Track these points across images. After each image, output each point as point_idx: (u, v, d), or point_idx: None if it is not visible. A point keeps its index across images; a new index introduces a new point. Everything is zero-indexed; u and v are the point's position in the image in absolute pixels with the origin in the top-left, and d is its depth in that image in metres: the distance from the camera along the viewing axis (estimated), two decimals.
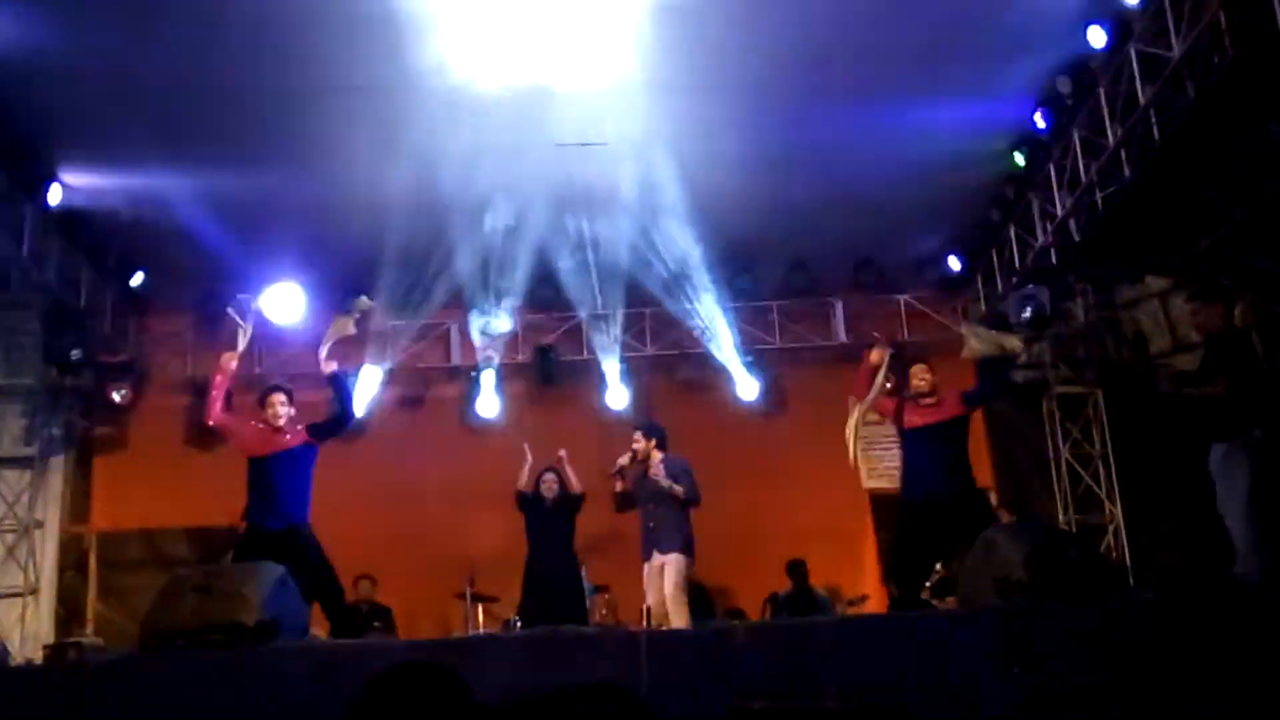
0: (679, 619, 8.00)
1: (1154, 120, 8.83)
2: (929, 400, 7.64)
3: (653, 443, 8.55)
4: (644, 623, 7.64)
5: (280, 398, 7.34)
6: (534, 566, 9.47)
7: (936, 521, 7.19)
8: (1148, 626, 5.11)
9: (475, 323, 12.49)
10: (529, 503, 9.65)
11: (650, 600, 8.27)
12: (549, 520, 9.54)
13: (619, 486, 8.63)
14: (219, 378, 7.37)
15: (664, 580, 8.20)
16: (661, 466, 8.42)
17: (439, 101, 9.05)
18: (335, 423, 7.48)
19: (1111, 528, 12.42)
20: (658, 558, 8.29)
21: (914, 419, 7.63)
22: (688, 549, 8.30)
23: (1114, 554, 12.22)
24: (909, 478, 7.60)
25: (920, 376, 7.72)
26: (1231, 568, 6.34)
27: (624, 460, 8.57)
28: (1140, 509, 12.17)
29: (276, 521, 6.98)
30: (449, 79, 8.91)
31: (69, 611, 11.88)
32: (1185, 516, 8.52)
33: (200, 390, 12.44)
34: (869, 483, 13.02)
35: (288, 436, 7.25)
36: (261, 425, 7.29)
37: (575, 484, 9.70)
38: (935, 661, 5.01)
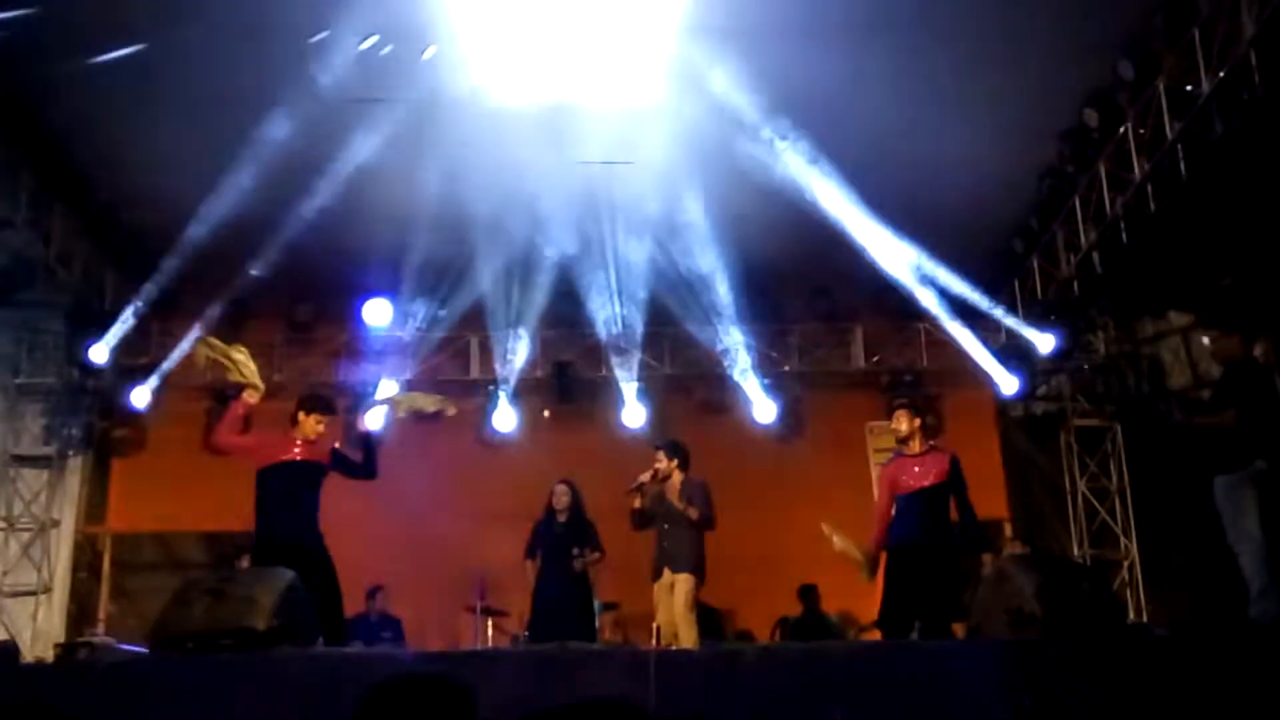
0: (688, 639, 7.95)
1: (1181, 156, 8.81)
2: (910, 450, 7.57)
3: (674, 463, 8.46)
4: (653, 641, 7.60)
5: (326, 419, 7.32)
6: (544, 583, 9.40)
7: (918, 571, 7.15)
8: (1160, 663, 5.07)
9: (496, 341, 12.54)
10: (540, 526, 9.49)
11: (660, 619, 8.23)
12: (561, 537, 9.43)
13: (637, 504, 8.50)
14: (240, 411, 7.26)
15: (673, 599, 8.16)
16: (681, 488, 8.37)
17: (466, 116, 9.10)
18: (355, 469, 7.42)
19: (1126, 563, 12.35)
20: (668, 576, 8.23)
21: (905, 482, 7.52)
22: (698, 570, 8.25)
23: (1128, 590, 12.15)
24: (893, 530, 7.56)
25: (899, 420, 7.66)
26: (1246, 607, 6.29)
27: (645, 477, 8.47)
28: (1156, 545, 12.10)
29: (289, 533, 6.91)
30: (477, 94, 8.96)
31: (81, 611, 11.93)
32: (1201, 553, 8.47)
33: (220, 396, 12.55)
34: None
35: (306, 446, 7.20)
36: (277, 436, 7.25)
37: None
38: (945, 691, 4.98)
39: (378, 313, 12.57)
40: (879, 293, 12.65)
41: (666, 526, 8.40)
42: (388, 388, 7.94)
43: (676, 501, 8.29)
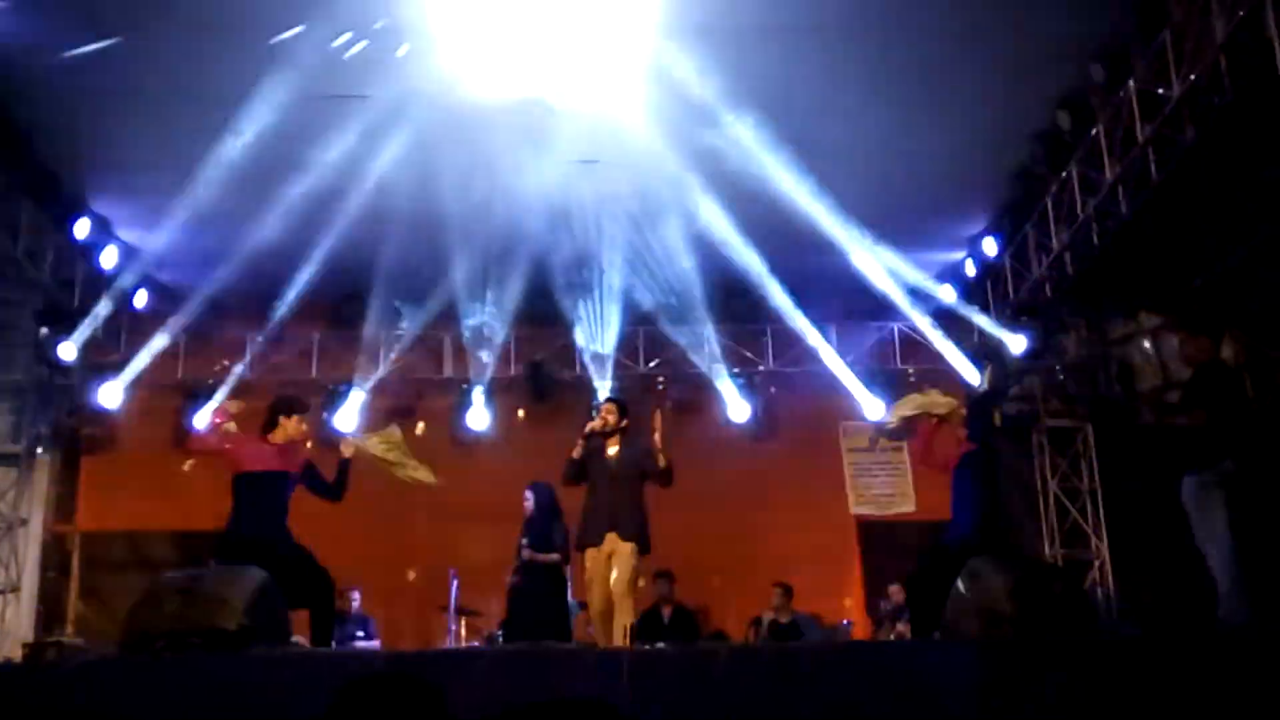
0: (625, 615, 7.28)
1: (1152, 158, 8.87)
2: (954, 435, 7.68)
3: (625, 423, 7.80)
4: (626, 640, 7.51)
5: (308, 417, 7.31)
6: (516, 585, 9.38)
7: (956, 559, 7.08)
8: (1131, 662, 5.10)
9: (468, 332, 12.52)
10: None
11: (596, 589, 7.48)
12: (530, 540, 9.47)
13: (576, 453, 7.71)
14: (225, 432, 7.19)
15: (612, 571, 7.40)
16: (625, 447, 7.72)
17: (441, 114, 9.08)
18: (324, 489, 7.39)
19: (1098, 563, 12.42)
20: (610, 541, 7.44)
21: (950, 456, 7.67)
22: (642, 539, 7.47)
23: (1100, 589, 12.22)
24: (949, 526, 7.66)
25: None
26: (1215, 606, 6.34)
27: (595, 425, 7.76)
28: (1127, 545, 12.18)
29: (260, 537, 6.87)
30: (451, 92, 8.94)
31: (50, 611, 11.84)
32: (1171, 553, 8.55)
33: (190, 393, 12.49)
34: (857, 508, 13.05)
35: (283, 453, 7.18)
36: (254, 442, 7.21)
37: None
38: (917, 691, 4.99)
39: (351, 312, 12.50)
40: (853, 293, 12.70)
41: (604, 483, 7.67)
42: (388, 433, 7.78)
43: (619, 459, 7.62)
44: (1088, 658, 5.07)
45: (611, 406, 7.92)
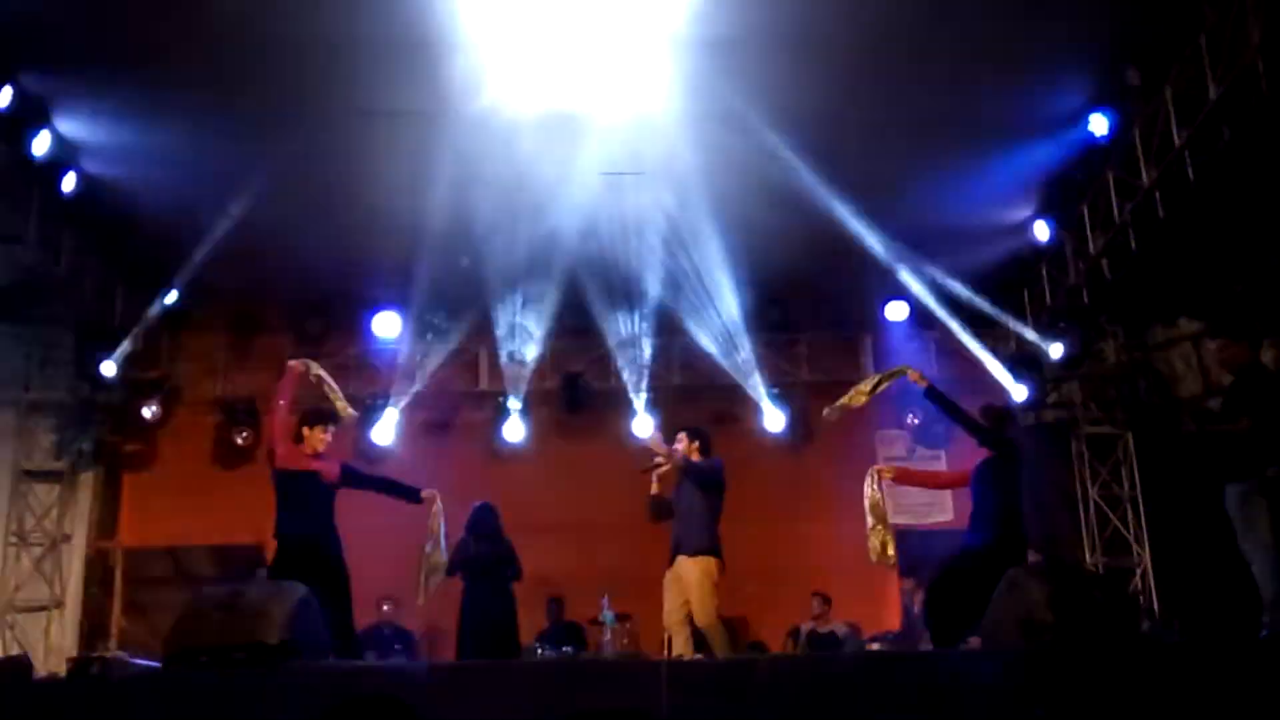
0: (703, 617, 7.49)
1: (1189, 162, 8.79)
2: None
3: (695, 445, 8.13)
4: (665, 653, 7.51)
5: (332, 429, 7.40)
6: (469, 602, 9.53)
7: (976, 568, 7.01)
8: (1174, 671, 5.05)
9: (504, 348, 12.56)
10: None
11: (666, 608, 7.72)
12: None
13: (654, 489, 8.10)
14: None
15: (685, 583, 7.66)
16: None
17: (473, 127, 9.12)
18: (389, 487, 7.60)
19: (1139, 571, 12.29)
20: (680, 562, 7.72)
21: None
22: (714, 551, 7.70)
23: (1142, 597, 12.09)
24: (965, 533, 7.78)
25: None
26: (1259, 615, 6.27)
27: (660, 458, 8.09)
28: (1169, 552, 12.04)
29: (310, 538, 6.98)
30: (484, 105, 8.98)
31: (93, 626, 11.94)
32: (1214, 561, 8.46)
33: (229, 409, 12.58)
34: (894, 517, 12.93)
35: (315, 461, 7.27)
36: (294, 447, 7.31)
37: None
38: (957, 700, 4.97)
39: (387, 325, 12.60)
40: (889, 302, 12.66)
41: (682, 509, 7.93)
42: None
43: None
44: (1129, 666, 5.03)
45: (682, 436, 8.26)
